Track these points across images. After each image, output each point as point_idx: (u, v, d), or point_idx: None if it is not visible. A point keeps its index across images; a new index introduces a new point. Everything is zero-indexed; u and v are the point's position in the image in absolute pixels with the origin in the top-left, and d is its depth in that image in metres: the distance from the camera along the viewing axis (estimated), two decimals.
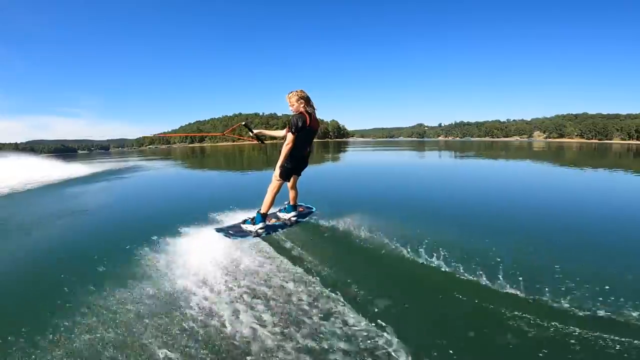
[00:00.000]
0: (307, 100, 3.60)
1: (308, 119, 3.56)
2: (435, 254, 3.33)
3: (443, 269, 3.10)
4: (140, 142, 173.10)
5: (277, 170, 3.68)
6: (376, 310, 2.52)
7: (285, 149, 3.56)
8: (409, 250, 3.48)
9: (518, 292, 2.69)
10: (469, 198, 7.05)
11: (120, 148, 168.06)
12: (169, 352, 2.09)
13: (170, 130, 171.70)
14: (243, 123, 4.07)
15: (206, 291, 2.76)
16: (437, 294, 2.78)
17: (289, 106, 3.65)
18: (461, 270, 3.05)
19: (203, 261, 3.27)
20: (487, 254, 3.45)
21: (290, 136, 3.54)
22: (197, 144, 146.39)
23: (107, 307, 2.58)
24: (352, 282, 2.92)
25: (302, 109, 3.57)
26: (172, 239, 3.86)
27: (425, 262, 3.25)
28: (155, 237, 3.93)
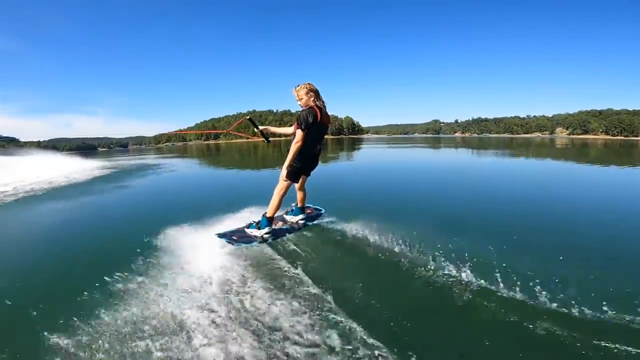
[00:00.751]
0: (316, 94, 3.33)
1: (319, 114, 3.26)
2: (454, 263, 3.10)
3: (459, 278, 2.87)
4: (158, 139, 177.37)
5: (285, 171, 3.40)
6: (389, 323, 2.36)
7: (294, 147, 3.27)
8: (424, 258, 3.24)
9: (553, 306, 2.48)
10: (490, 201, 6.66)
11: (138, 145, 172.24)
12: None
13: (186, 127, 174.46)
14: (247, 117, 3.77)
15: (203, 303, 2.58)
16: (456, 306, 2.57)
17: (296, 100, 3.35)
18: (481, 281, 2.84)
19: (202, 271, 3.10)
20: (508, 262, 3.17)
21: (299, 133, 3.23)
22: (212, 141, 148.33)
23: (97, 319, 2.46)
24: (364, 292, 2.75)
25: (311, 103, 3.29)
26: (170, 246, 3.68)
27: (443, 272, 3.03)
28: (153, 244, 3.78)
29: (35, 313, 2.65)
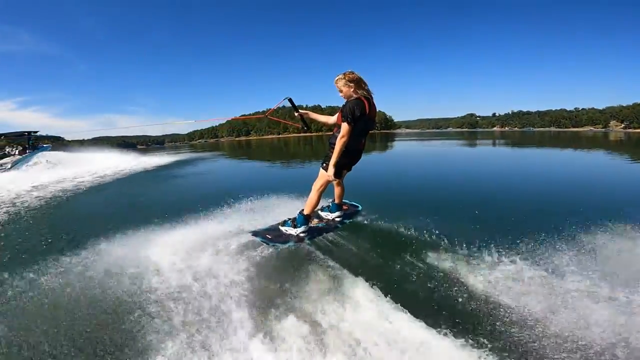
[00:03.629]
0: (358, 83, 3.01)
1: (367, 106, 3.01)
2: (507, 260, 2.95)
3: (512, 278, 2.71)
4: (191, 136, 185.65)
5: (332, 169, 3.10)
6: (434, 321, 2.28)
7: (339, 143, 3.01)
8: (467, 254, 3.12)
9: None
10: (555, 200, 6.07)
11: (173, 143, 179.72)
12: None
13: (217, 124, 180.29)
14: (287, 98, 3.50)
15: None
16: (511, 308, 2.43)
17: (338, 92, 3.10)
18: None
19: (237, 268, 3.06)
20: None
21: (345, 127, 2.98)
22: (243, 137, 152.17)
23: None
24: (405, 291, 2.68)
25: (354, 95, 3.01)
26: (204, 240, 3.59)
27: (491, 272, 2.82)
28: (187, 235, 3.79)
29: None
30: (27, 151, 17.10)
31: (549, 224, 3.92)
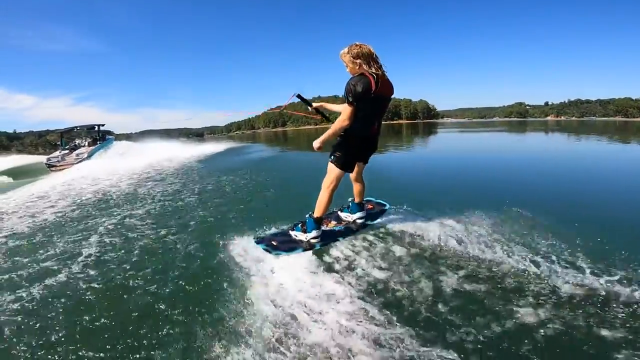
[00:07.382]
0: (367, 59, 2.53)
1: (373, 83, 2.50)
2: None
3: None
4: (229, 128, 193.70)
5: (317, 143, 2.71)
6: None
7: (336, 123, 2.61)
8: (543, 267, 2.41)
9: None
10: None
11: (212, 134, 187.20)
12: None
13: (254, 116, 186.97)
14: (296, 94, 3.23)
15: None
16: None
17: (345, 69, 2.64)
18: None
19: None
20: None
21: (346, 109, 2.56)
22: (280, 128, 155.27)
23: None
24: (444, 312, 2.04)
25: (362, 70, 2.54)
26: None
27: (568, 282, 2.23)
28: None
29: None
30: (98, 142, 18.34)
31: None
